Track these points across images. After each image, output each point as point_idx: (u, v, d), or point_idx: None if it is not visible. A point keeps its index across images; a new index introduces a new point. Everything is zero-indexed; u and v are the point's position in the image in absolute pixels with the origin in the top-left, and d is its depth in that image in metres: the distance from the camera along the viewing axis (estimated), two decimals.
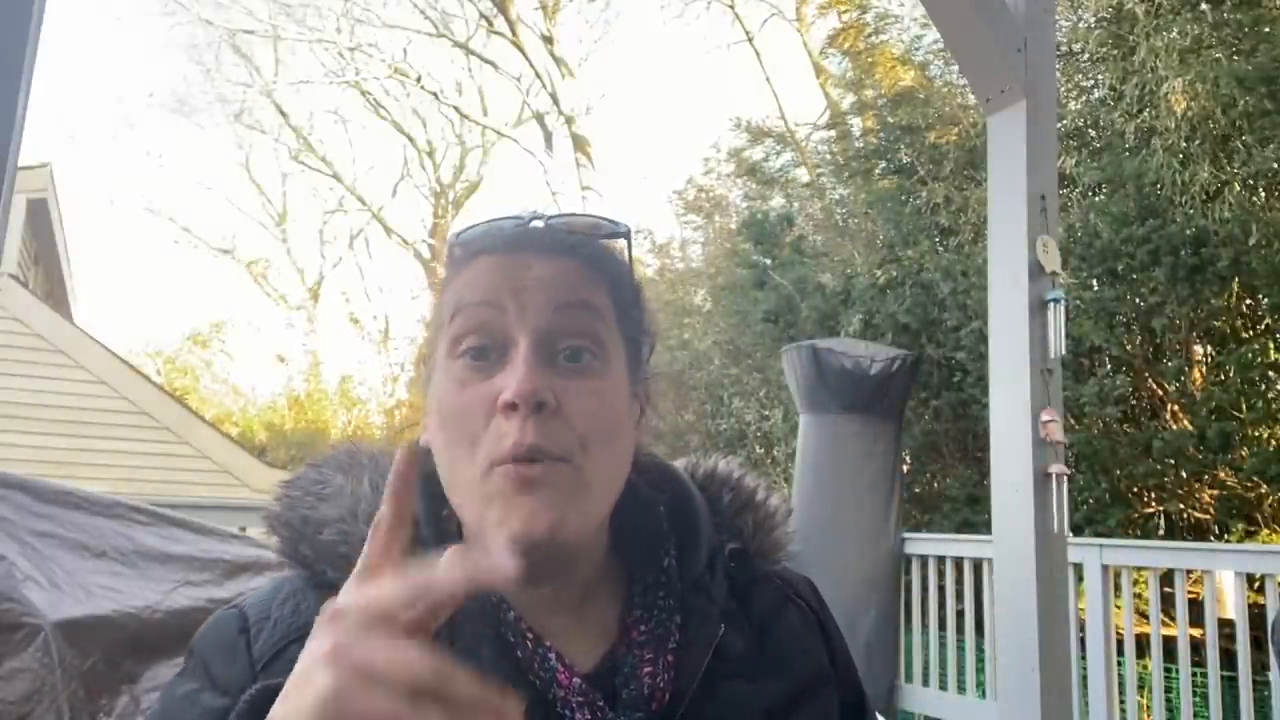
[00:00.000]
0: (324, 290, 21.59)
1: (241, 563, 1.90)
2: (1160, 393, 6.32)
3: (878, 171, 8.67)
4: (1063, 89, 6.64)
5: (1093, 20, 6.84)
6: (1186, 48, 5.67)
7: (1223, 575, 4.06)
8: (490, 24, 15.70)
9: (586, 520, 0.69)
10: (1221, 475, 5.80)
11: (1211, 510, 5.97)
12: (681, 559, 0.76)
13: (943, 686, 4.83)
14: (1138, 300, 6.11)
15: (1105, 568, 4.07)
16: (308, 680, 0.45)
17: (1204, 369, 6.31)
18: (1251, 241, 5.34)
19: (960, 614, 4.77)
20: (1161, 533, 6.27)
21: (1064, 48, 6.60)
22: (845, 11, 10.91)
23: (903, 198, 7.91)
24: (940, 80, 8.44)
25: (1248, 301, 5.97)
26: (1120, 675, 4.12)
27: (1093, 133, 6.81)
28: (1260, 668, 4.00)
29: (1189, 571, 4.10)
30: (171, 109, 22.53)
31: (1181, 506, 6.07)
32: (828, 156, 10.64)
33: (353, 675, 0.43)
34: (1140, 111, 5.94)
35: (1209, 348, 6.32)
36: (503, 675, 0.66)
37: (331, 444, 0.95)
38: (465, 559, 0.46)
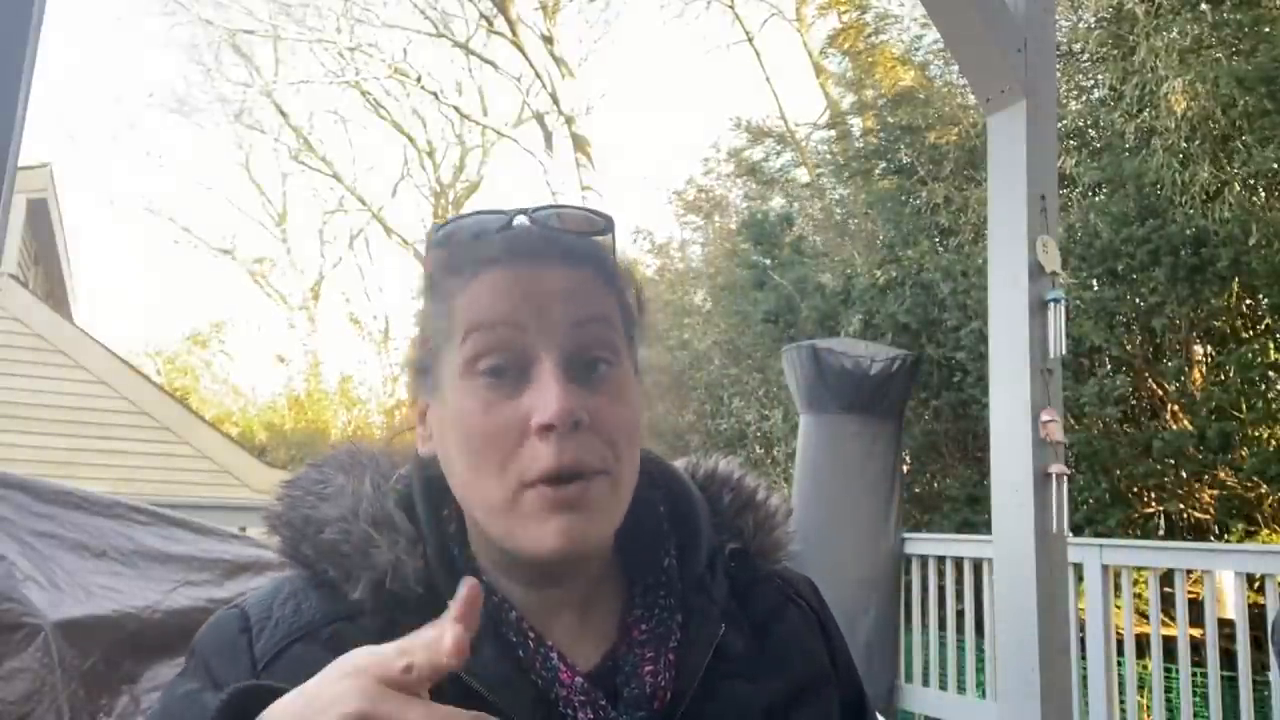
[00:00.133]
0: (324, 290, 21.62)
1: (241, 563, 1.91)
2: (1160, 393, 6.32)
3: (878, 171, 8.66)
4: (1063, 89, 6.64)
5: (1093, 20, 6.84)
6: (1186, 48, 5.66)
7: (1223, 575, 4.06)
8: (490, 24, 15.69)
9: (615, 524, 0.70)
10: (1221, 475, 5.79)
11: (1211, 510, 5.97)
12: (682, 559, 0.76)
13: (943, 686, 4.83)
14: (1138, 300, 6.11)
15: (1105, 568, 4.07)
16: None
17: (1204, 369, 6.31)
18: (1251, 241, 5.34)
19: (960, 614, 4.77)
20: (1161, 533, 6.27)
21: (1064, 48, 6.60)
22: (845, 11, 10.91)
23: (903, 198, 7.91)
24: (940, 80, 8.44)
25: (1248, 301, 5.96)
26: (1120, 675, 4.12)
27: (1093, 133, 6.81)
28: (1260, 668, 4.00)
29: (1189, 571, 4.10)
30: (171, 109, 22.56)
31: (1181, 506, 6.07)
32: (828, 156, 10.64)
33: None
34: (1140, 111, 5.94)
35: (1209, 348, 6.32)
36: (504, 675, 0.66)
37: (332, 444, 0.94)
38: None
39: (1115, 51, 6.43)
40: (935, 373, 6.90)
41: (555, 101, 15.44)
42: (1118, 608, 4.17)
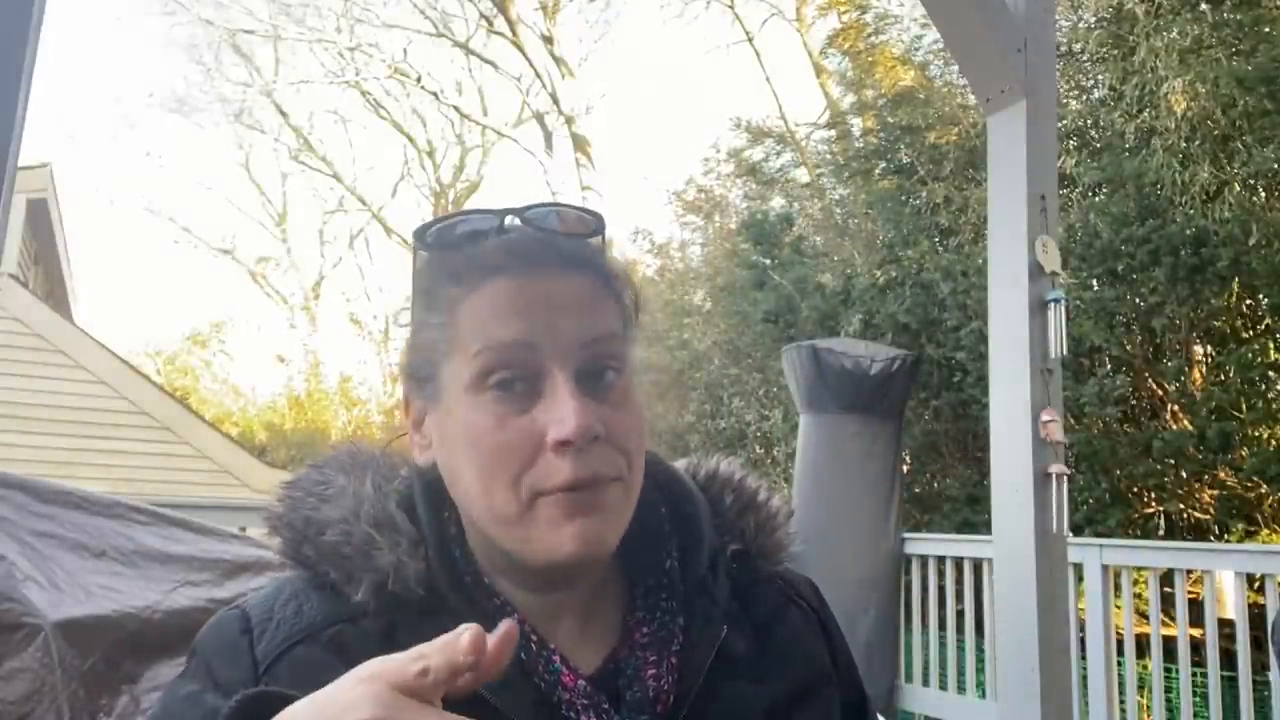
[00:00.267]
0: (324, 290, 21.62)
1: (242, 563, 1.90)
2: (1160, 393, 6.32)
3: (878, 171, 8.66)
4: (1063, 89, 6.64)
5: (1093, 20, 6.84)
6: (1186, 48, 5.66)
7: (1223, 575, 4.06)
8: (490, 24, 15.69)
9: (624, 526, 0.70)
10: (1221, 475, 5.80)
11: (1211, 510, 5.97)
12: (683, 560, 0.76)
13: (943, 686, 4.83)
14: (1138, 300, 6.11)
15: (1105, 568, 4.07)
16: None
17: (1204, 369, 6.31)
18: (1251, 241, 5.34)
19: (960, 614, 4.77)
20: (1161, 533, 6.27)
21: (1064, 48, 6.60)
22: (845, 11, 10.90)
23: (903, 198, 7.91)
24: (940, 80, 8.44)
25: (1248, 301, 5.97)
26: (1120, 675, 4.12)
27: (1093, 133, 6.81)
28: (1260, 668, 4.00)
29: (1189, 571, 4.10)
30: (171, 109, 22.52)
31: (1181, 506, 6.07)
32: (828, 156, 10.64)
33: None
34: (1140, 111, 5.94)
35: (1209, 348, 6.32)
36: (506, 678, 0.66)
37: (332, 444, 0.94)
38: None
39: (1115, 51, 6.43)
40: (935, 373, 6.90)
41: (555, 101, 15.44)
42: (1118, 608, 4.17)
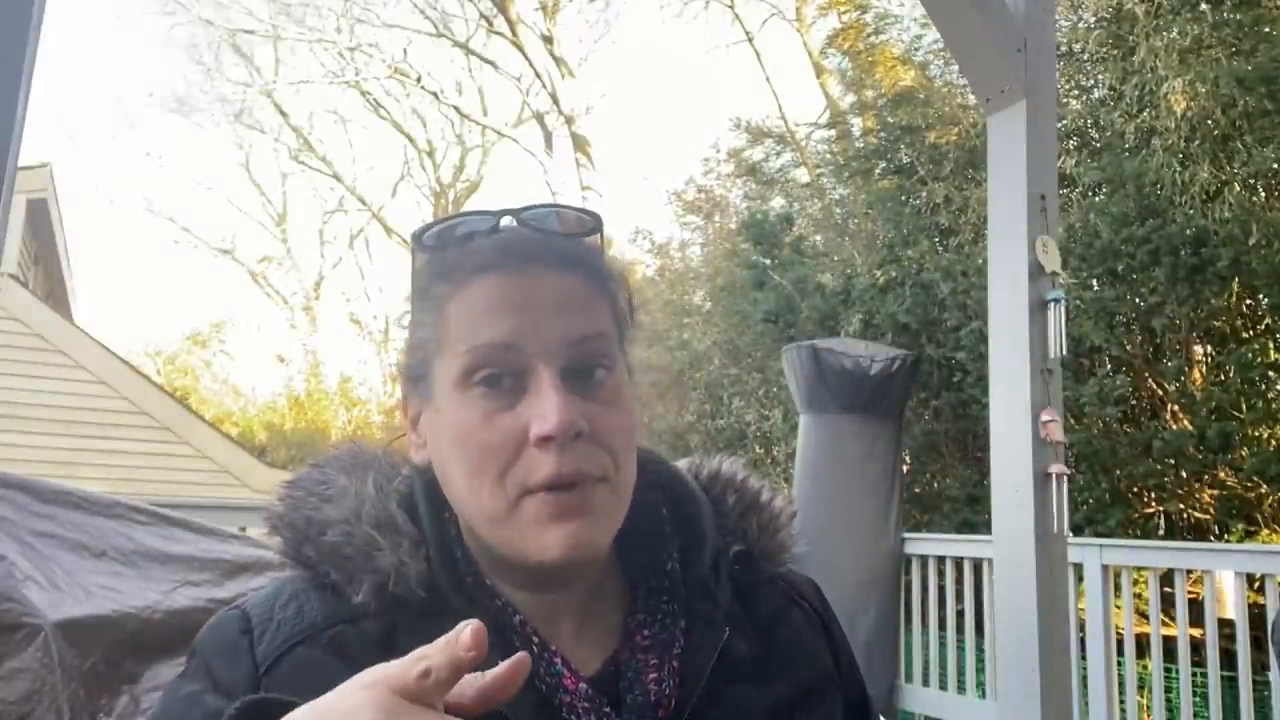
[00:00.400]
0: (324, 290, 21.62)
1: (242, 563, 1.90)
2: (1160, 393, 6.32)
3: (878, 171, 8.66)
4: (1063, 89, 6.64)
5: (1093, 20, 6.84)
6: (1186, 48, 5.66)
7: (1223, 575, 4.06)
8: (490, 24, 15.69)
9: (615, 527, 0.70)
10: (1221, 475, 5.80)
11: (1211, 510, 5.97)
12: (685, 562, 0.76)
13: (943, 686, 4.83)
14: (1138, 300, 6.11)
15: (1105, 568, 4.07)
16: None
17: (1204, 369, 6.31)
18: (1251, 241, 5.34)
19: (960, 614, 4.77)
20: (1161, 533, 6.27)
21: (1064, 48, 6.59)
22: (845, 11, 10.90)
23: (903, 198, 7.91)
24: (940, 80, 8.44)
25: (1248, 301, 5.96)
26: (1120, 675, 4.12)
27: (1093, 133, 6.81)
28: (1260, 668, 4.00)
29: (1189, 571, 4.10)
30: (171, 109, 22.51)
31: (1181, 506, 6.07)
32: (828, 156, 10.64)
33: None
34: (1140, 111, 5.94)
35: (1209, 348, 6.32)
36: None
37: (333, 444, 0.94)
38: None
39: (1115, 51, 6.43)
40: (935, 373, 6.90)
41: (555, 101, 15.45)
42: (1118, 608, 4.17)
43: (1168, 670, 4.03)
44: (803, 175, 11.25)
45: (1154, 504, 6.28)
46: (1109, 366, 6.37)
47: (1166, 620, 4.26)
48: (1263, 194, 5.81)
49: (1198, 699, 3.89)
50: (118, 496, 1.95)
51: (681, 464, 0.84)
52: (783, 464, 7.88)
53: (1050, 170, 2.30)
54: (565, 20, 15.72)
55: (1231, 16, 5.75)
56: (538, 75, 15.53)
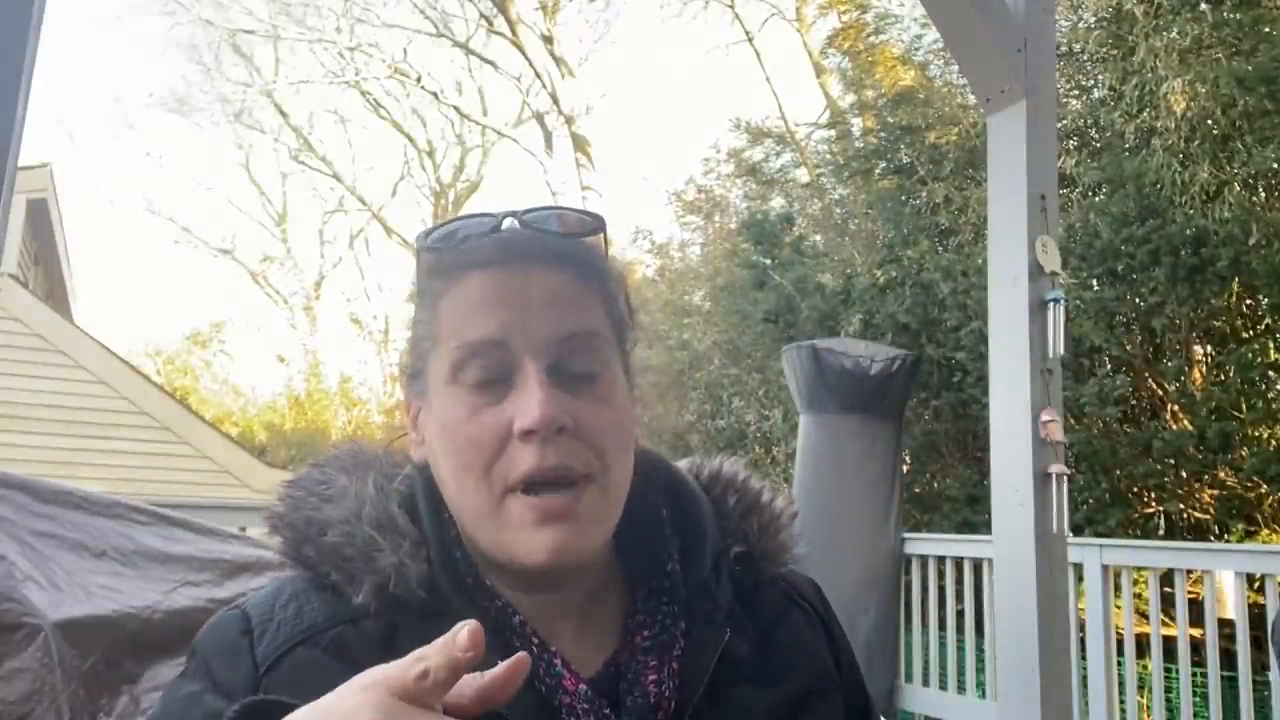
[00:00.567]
0: (324, 290, 21.62)
1: (242, 563, 1.90)
2: (1160, 393, 6.32)
3: (878, 171, 8.67)
4: (1063, 89, 6.64)
5: (1093, 20, 6.84)
6: (1186, 48, 5.66)
7: (1223, 575, 4.06)
8: (490, 24, 15.69)
9: (607, 531, 0.70)
10: (1221, 475, 5.80)
11: (1211, 510, 5.97)
12: (686, 563, 0.75)
13: (943, 686, 4.83)
14: (1138, 300, 6.11)
15: (1105, 568, 4.07)
16: None
17: (1204, 369, 6.31)
18: (1251, 241, 5.34)
19: (960, 614, 4.77)
20: (1161, 533, 6.27)
21: (1064, 48, 6.59)
22: (845, 11, 10.90)
23: (903, 198, 7.91)
24: (940, 80, 8.45)
25: (1248, 301, 5.96)
26: (1120, 675, 4.12)
27: (1093, 133, 6.81)
28: (1260, 668, 4.00)
29: (1189, 571, 4.10)
30: (171, 109, 22.44)
31: (1181, 506, 6.07)
32: (828, 156, 10.64)
33: None
34: (1140, 111, 5.94)
35: (1209, 348, 6.32)
36: None
37: (333, 443, 0.94)
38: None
39: (1115, 51, 6.43)
40: (935, 373, 6.90)
41: (555, 101, 15.44)
42: (1118, 608, 4.16)
43: (1168, 670, 4.03)
44: (803, 175, 11.25)
45: (1154, 504, 6.28)
46: (1109, 366, 6.37)
47: (1166, 620, 4.26)
48: (1263, 194, 5.81)
49: (1198, 699, 3.89)
50: (118, 496, 1.95)
51: (682, 464, 0.84)
52: (783, 464, 7.88)
53: (1050, 170, 2.30)
54: (565, 20, 15.74)
55: (1231, 16, 5.75)
56: (538, 75, 15.53)
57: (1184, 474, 6.01)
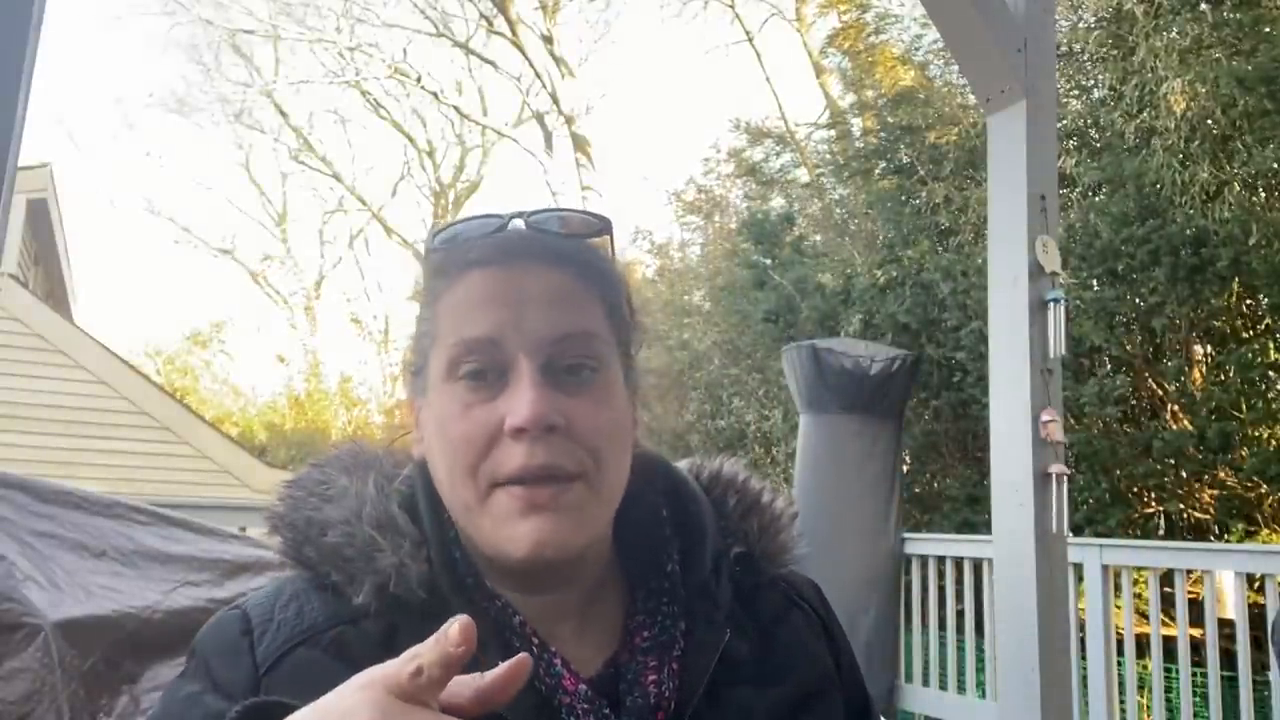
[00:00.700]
0: (324, 290, 21.62)
1: (242, 563, 1.90)
2: (1160, 393, 6.32)
3: (878, 171, 8.67)
4: (1063, 89, 6.64)
5: (1093, 20, 6.84)
6: (1186, 48, 5.66)
7: (1223, 575, 4.06)
8: (490, 24, 15.69)
9: (597, 529, 0.70)
10: (1221, 475, 5.79)
11: (1211, 510, 5.97)
12: (686, 563, 0.75)
13: (943, 686, 4.83)
14: (1138, 300, 6.11)
15: (1105, 568, 4.07)
16: None
17: (1204, 369, 6.31)
18: (1251, 241, 5.34)
19: (960, 614, 4.77)
20: (1161, 533, 6.27)
21: (1064, 48, 6.59)
22: (845, 11, 10.91)
23: (903, 198, 7.91)
24: (940, 80, 8.45)
25: (1248, 301, 5.96)
26: (1120, 675, 4.12)
27: (1093, 133, 6.81)
28: (1260, 668, 4.00)
29: (1189, 571, 4.10)
30: (171, 109, 22.47)
31: (1181, 506, 6.07)
32: (828, 156, 10.64)
33: None
34: (1140, 111, 5.94)
35: (1209, 348, 6.32)
36: None
37: (333, 443, 0.94)
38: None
39: (1115, 51, 6.43)
40: (935, 373, 6.90)
41: (555, 101, 15.43)
42: (1118, 608, 4.16)
43: (1168, 670, 4.03)
44: (803, 175, 11.25)
45: (1154, 504, 6.28)
46: (1109, 366, 6.37)
47: (1166, 620, 4.26)
48: (1263, 194, 5.81)
49: (1198, 699, 3.89)
50: (118, 496, 1.95)
51: (682, 465, 0.84)
52: (783, 464, 7.88)
53: (1050, 170, 2.30)
54: (565, 20, 15.73)
55: (1231, 16, 5.75)
56: (538, 75, 15.53)
57: (1184, 474, 6.01)
